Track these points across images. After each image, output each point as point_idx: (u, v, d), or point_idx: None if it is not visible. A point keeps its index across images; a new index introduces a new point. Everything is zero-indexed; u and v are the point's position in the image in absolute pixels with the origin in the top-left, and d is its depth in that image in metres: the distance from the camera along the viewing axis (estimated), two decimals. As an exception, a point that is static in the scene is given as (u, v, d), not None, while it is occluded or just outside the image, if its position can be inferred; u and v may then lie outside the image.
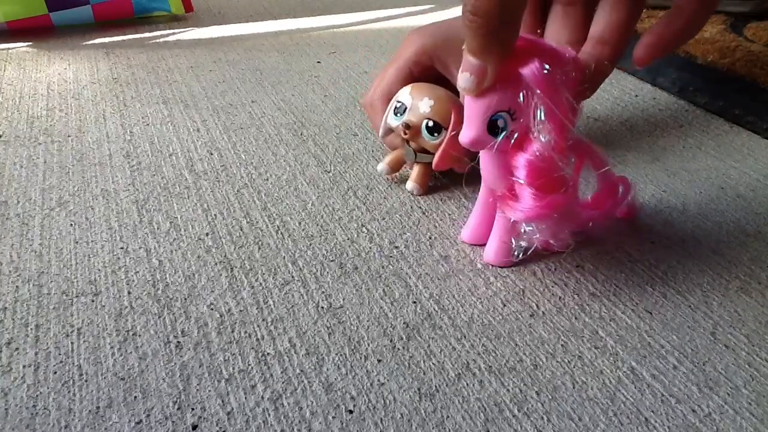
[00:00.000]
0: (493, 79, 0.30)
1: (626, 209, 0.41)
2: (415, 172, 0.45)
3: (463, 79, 0.30)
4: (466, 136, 0.32)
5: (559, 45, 0.31)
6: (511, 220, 0.34)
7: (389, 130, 0.45)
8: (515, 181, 0.32)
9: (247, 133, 0.54)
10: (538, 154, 0.31)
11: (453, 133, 0.40)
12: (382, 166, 0.46)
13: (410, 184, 0.45)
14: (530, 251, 0.35)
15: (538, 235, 0.33)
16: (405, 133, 0.42)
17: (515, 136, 0.31)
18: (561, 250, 0.35)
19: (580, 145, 0.37)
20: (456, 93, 0.42)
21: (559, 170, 0.31)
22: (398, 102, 0.43)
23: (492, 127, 0.31)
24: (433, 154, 0.42)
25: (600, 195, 0.39)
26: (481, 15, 0.27)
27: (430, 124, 0.41)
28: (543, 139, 0.30)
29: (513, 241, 0.35)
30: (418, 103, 0.42)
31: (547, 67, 0.29)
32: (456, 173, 0.45)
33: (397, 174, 0.47)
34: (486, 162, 0.35)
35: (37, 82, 0.65)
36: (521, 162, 0.32)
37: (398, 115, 0.43)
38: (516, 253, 0.35)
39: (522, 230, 0.34)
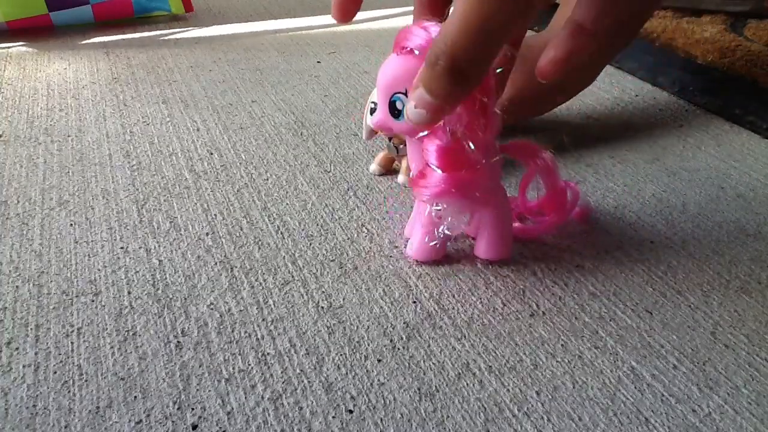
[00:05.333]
0: (448, 113, 0.29)
1: (579, 212, 0.41)
2: (404, 165, 0.45)
3: (414, 114, 0.28)
4: (373, 118, 0.33)
5: None
6: (426, 213, 0.35)
7: (371, 131, 0.45)
8: (427, 165, 0.33)
9: (247, 133, 0.54)
10: (446, 140, 0.31)
11: None
12: (373, 167, 0.47)
13: (401, 178, 0.45)
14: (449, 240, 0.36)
15: (447, 218, 0.34)
16: (375, 132, 0.43)
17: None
18: (457, 234, 0.36)
19: (526, 148, 0.37)
20: None
21: (469, 155, 0.31)
22: (372, 102, 0.43)
23: (393, 109, 0.32)
24: None
25: (547, 201, 0.39)
26: (449, 58, 0.25)
27: None
28: (450, 128, 0.30)
29: (435, 232, 0.35)
30: None
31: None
32: None
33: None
34: (411, 152, 0.35)
35: (37, 82, 0.65)
36: (432, 148, 0.32)
37: (372, 114, 0.43)
38: (436, 244, 0.36)
39: (432, 212, 0.34)
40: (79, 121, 0.56)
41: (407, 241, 0.38)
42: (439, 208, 0.34)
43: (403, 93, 0.31)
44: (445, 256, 0.38)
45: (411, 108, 0.28)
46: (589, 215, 0.42)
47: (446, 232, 0.35)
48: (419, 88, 0.27)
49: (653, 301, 0.35)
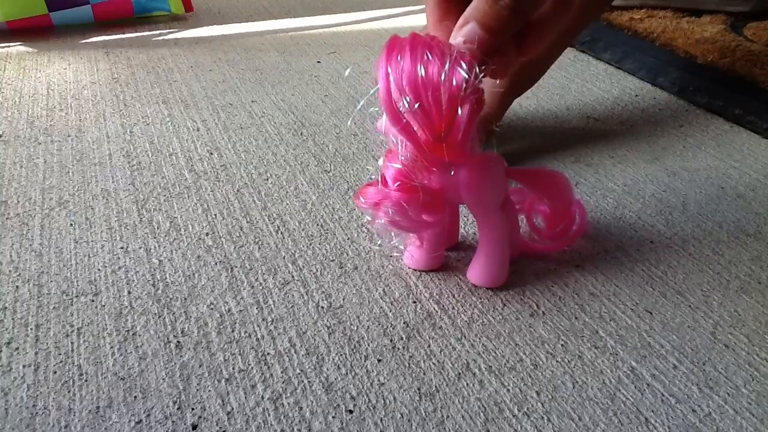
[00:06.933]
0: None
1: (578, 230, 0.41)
2: None
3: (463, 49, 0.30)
4: (378, 123, 0.33)
5: (449, 46, 0.30)
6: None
7: None
8: (379, 179, 0.33)
9: (247, 132, 0.54)
10: (405, 161, 0.32)
11: None
12: (383, 161, 0.46)
13: None
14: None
15: (383, 232, 0.34)
16: None
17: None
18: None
19: (557, 187, 0.36)
20: None
21: (418, 182, 0.32)
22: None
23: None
24: None
25: (557, 226, 0.38)
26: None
27: None
28: (401, 155, 0.31)
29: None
30: None
31: (408, 99, 0.29)
32: None
33: None
34: None
35: (37, 82, 0.65)
36: (390, 171, 0.32)
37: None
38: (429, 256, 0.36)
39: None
40: (79, 121, 0.56)
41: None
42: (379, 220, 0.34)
43: None
44: (444, 258, 0.38)
45: (460, 44, 0.29)
46: (587, 228, 0.41)
47: (398, 245, 0.35)
48: (471, 24, 0.28)
49: (653, 301, 0.35)
